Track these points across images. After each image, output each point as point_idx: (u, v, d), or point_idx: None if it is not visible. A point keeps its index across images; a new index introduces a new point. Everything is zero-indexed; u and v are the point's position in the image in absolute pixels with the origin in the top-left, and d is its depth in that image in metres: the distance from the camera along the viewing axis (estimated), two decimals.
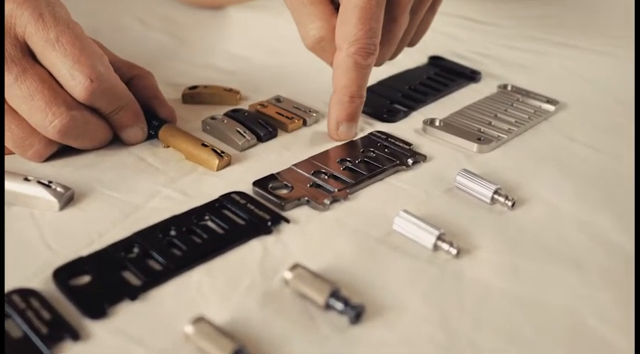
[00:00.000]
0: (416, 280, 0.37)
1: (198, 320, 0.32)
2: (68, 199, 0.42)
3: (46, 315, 0.33)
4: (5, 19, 0.43)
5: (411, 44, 0.57)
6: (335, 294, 0.35)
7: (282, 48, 0.66)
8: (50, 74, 0.44)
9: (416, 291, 0.37)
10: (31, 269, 0.37)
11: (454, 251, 0.39)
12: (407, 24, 0.53)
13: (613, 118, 0.56)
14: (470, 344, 0.33)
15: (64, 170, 0.45)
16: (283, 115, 0.53)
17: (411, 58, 0.64)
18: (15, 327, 0.33)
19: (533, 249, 0.40)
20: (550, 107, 0.57)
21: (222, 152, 0.47)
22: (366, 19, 0.48)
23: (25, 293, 0.35)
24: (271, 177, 0.45)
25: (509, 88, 0.60)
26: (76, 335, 0.32)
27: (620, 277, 0.38)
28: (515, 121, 0.54)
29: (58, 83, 0.44)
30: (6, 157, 0.46)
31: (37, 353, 0.32)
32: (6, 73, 0.42)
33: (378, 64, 0.54)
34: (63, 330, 0.33)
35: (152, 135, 0.49)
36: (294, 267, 0.36)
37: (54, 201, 0.41)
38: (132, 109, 0.48)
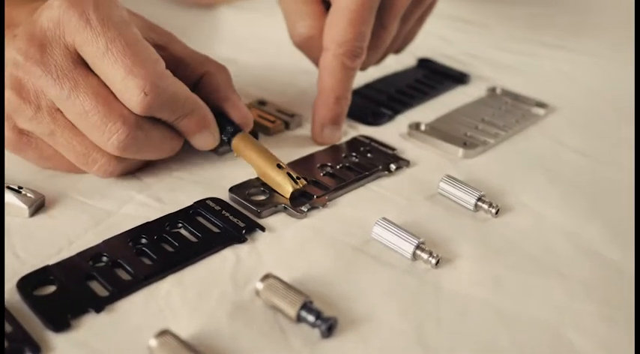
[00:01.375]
0: (393, 292, 0.36)
1: (163, 333, 0.31)
2: (39, 205, 0.41)
3: (7, 327, 0.32)
4: (52, 28, 0.40)
5: (397, 51, 0.57)
6: (306, 306, 0.33)
7: (269, 50, 0.65)
8: (105, 84, 0.40)
9: (392, 303, 0.35)
10: None
11: (433, 261, 0.38)
12: (396, 31, 0.52)
13: (604, 122, 0.55)
14: None
15: (37, 175, 0.44)
16: (265, 119, 0.52)
17: (399, 61, 0.63)
18: None
19: (516, 259, 0.39)
20: (539, 111, 0.55)
21: (298, 177, 0.43)
22: (356, 22, 0.47)
23: None
24: (248, 183, 0.44)
25: (498, 91, 0.59)
26: (36, 349, 0.31)
27: (604, 289, 0.37)
28: (503, 125, 0.53)
29: (113, 94, 0.40)
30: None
31: None
32: (59, 88, 0.39)
33: (363, 68, 0.53)
34: (24, 343, 0.31)
35: (225, 141, 0.45)
36: (266, 277, 0.35)
37: (24, 207, 0.40)
38: (198, 114, 0.43)
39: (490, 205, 0.42)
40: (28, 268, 0.36)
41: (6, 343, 0.31)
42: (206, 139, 0.45)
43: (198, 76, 0.47)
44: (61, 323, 0.33)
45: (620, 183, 0.46)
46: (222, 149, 0.47)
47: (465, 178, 0.46)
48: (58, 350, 0.32)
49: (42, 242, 0.38)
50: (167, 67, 0.43)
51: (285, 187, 0.42)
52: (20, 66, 0.40)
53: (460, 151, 0.49)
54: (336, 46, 0.47)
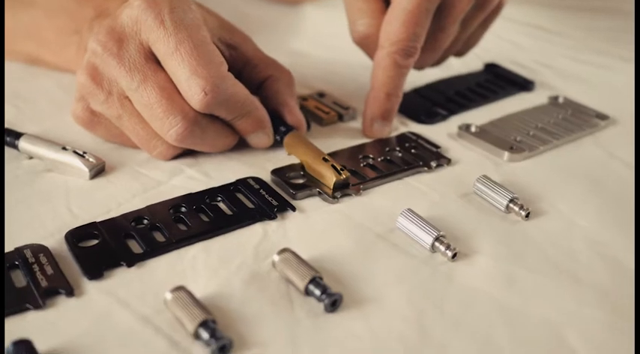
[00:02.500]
0: (405, 278, 0.38)
1: (178, 289, 0.34)
2: (99, 169, 0.45)
3: (49, 270, 0.36)
4: (131, 24, 0.44)
5: (459, 54, 0.58)
6: (315, 280, 0.35)
7: (341, 45, 0.67)
8: (171, 80, 0.44)
9: (401, 289, 0.37)
10: (50, 229, 0.40)
11: (450, 254, 0.39)
12: (455, 34, 0.53)
13: None
14: (440, 347, 0.33)
15: (104, 145, 0.48)
16: (320, 110, 0.54)
17: (465, 64, 0.63)
18: (22, 277, 0.36)
19: (534, 261, 0.39)
20: (599, 122, 0.55)
21: (342, 169, 0.45)
22: (411, 23, 0.49)
23: (37, 249, 0.38)
24: (291, 167, 0.47)
25: (560, 99, 0.58)
26: (70, 291, 0.35)
27: (618, 299, 0.37)
28: (557, 133, 0.52)
29: (177, 90, 0.44)
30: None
31: (34, 303, 0.34)
32: (130, 79, 0.43)
33: (420, 68, 0.55)
34: (60, 285, 0.35)
35: (278, 141, 0.48)
36: (283, 251, 0.37)
37: (85, 170, 0.45)
38: (255, 116, 0.47)
39: (521, 207, 0.43)
40: (78, 222, 0.40)
41: (46, 283, 0.35)
42: (261, 138, 0.48)
43: (263, 78, 0.50)
44: (95, 272, 0.37)
45: None
46: (278, 144, 0.50)
47: (506, 180, 0.46)
48: (88, 294, 0.35)
49: (95, 202, 0.43)
50: (236, 66, 0.46)
51: (330, 177, 0.45)
52: (98, 55, 0.45)
53: (506, 154, 0.50)
54: (389, 45, 0.49)
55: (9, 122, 0.51)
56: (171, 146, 0.46)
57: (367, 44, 0.53)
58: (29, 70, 0.59)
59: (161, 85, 0.44)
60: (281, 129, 0.48)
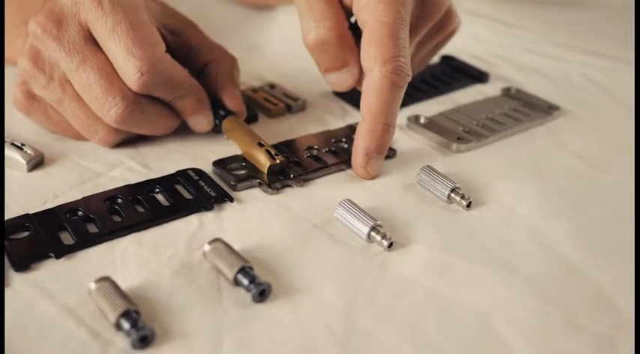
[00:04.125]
0: (338, 268, 0.37)
1: (103, 279, 0.34)
2: (37, 162, 0.45)
3: None
4: (70, 5, 0.43)
5: None
6: (244, 270, 0.35)
7: (295, 37, 0.66)
8: (110, 61, 0.44)
9: (333, 278, 0.37)
10: None
11: (385, 243, 0.39)
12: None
13: (616, 130, 0.53)
14: (366, 336, 0.33)
15: (45, 137, 0.48)
16: (269, 101, 0.54)
17: None
18: None
19: (471, 250, 0.39)
20: (550, 113, 0.55)
21: (277, 154, 0.45)
22: (397, 36, 0.43)
23: None
24: (233, 158, 0.46)
25: (512, 91, 0.58)
26: None
27: (551, 286, 0.37)
28: (506, 124, 0.52)
29: (116, 71, 0.44)
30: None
31: None
32: (69, 61, 0.43)
33: None
34: None
35: (217, 125, 0.48)
36: (214, 241, 0.37)
37: (22, 162, 0.44)
38: (194, 97, 0.46)
39: (462, 197, 0.43)
40: (11, 215, 0.40)
41: None
42: (200, 121, 0.48)
43: (204, 62, 0.50)
44: (21, 264, 0.36)
45: (604, 188, 0.45)
46: (218, 128, 0.49)
47: (451, 171, 0.46)
48: (13, 286, 0.35)
49: (31, 194, 0.42)
50: (180, 52, 0.46)
51: (264, 162, 0.44)
52: (38, 38, 0.44)
53: (453, 145, 0.49)
54: (381, 64, 0.43)
55: None
56: (112, 130, 0.46)
57: (323, 50, 0.46)
58: None
59: (100, 66, 0.43)
60: (220, 113, 0.48)
